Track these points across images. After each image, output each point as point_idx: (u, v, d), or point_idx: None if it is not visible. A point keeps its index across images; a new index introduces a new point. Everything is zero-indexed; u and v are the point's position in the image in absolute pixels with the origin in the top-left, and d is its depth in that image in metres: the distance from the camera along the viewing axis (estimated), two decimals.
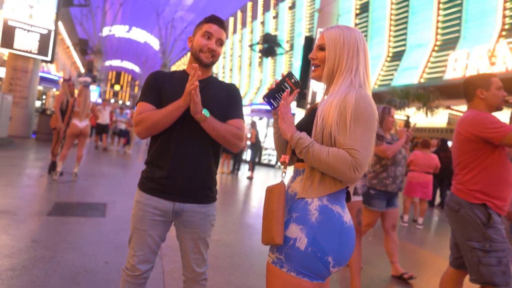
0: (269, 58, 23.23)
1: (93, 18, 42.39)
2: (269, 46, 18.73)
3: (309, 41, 17.01)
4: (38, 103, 13.35)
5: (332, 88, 1.27)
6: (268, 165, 14.48)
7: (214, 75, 1.83)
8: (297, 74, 17.19)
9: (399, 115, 13.17)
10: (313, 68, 1.37)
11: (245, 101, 29.23)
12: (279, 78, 1.35)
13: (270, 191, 1.24)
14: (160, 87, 1.62)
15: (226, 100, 1.67)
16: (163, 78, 1.65)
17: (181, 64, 52.76)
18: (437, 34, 16.28)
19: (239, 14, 40.09)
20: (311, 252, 1.14)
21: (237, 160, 10.58)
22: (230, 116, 1.65)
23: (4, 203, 4.03)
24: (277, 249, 1.19)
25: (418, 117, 13.13)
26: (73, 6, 17.27)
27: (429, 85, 13.23)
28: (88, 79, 5.82)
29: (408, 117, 12.45)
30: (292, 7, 29.65)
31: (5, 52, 13.10)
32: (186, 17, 44.52)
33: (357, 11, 21.46)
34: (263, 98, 1.33)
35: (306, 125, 1.28)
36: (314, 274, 1.15)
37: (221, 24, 1.64)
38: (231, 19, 41.89)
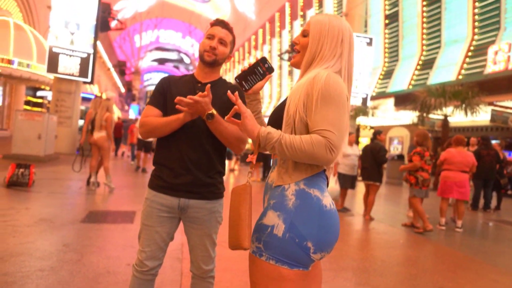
0: None
1: (130, 40, 44.69)
2: None
3: None
4: (81, 122, 14.25)
5: (307, 73, 1.25)
6: None
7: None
8: None
9: (436, 115, 12.52)
10: (293, 54, 1.36)
11: None
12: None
13: (236, 193, 1.20)
14: (166, 91, 1.70)
15: (231, 102, 1.69)
16: (170, 83, 1.73)
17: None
18: (474, 27, 15.44)
19: (267, 25, 40.56)
20: (289, 238, 1.11)
21: (267, 167, 10.58)
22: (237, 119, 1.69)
23: (43, 211, 4.34)
24: (257, 238, 1.18)
25: (457, 116, 12.41)
26: (110, 30, 18.43)
27: (468, 81, 12.50)
28: (111, 94, 6.17)
29: (445, 116, 11.78)
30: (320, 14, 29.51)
31: (50, 76, 14.23)
32: None
33: (387, 12, 20.92)
34: (235, 78, 1.36)
35: (278, 113, 1.28)
36: (294, 261, 1.12)
37: (224, 25, 1.70)
38: (260, 31, 42.47)
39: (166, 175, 1.64)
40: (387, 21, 20.91)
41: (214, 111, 1.51)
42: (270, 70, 1.33)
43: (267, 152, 1.24)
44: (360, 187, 9.73)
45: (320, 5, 29.70)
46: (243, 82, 1.36)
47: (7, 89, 20.72)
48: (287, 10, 35.06)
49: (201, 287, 1.73)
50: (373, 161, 6.06)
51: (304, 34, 1.30)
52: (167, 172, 1.64)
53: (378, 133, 6.43)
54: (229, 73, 57.19)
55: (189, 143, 1.62)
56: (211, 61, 1.66)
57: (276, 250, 1.13)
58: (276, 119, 1.28)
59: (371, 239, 4.78)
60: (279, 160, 1.22)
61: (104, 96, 6.69)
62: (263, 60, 1.34)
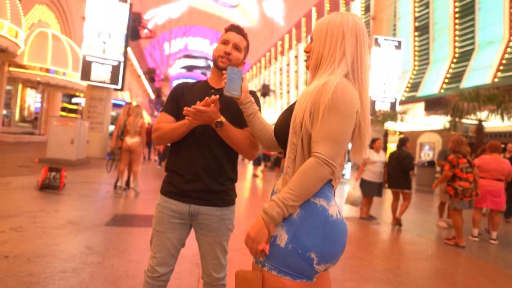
0: None
1: (160, 48, 45.94)
2: None
3: None
4: (111, 127, 14.79)
5: (316, 78, 1.23)
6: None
7: (271, 91, 1.89)
8: None
9: (470, 120, 11.93)
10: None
11: None
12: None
13: (242, 280, 1.14)
14: (179, 98, 1.71)
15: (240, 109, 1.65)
16: (183, 89, 1.74)
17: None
18: (510, 28, 14.67)
19: (293, 30, 40.53)
20: (291, 249, 1.09)
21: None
22: (246, 124, 1.67)
23: (71, 214, 4.51)
24: None
25: (493, 121, 11.76)
26: (140, 39, 19.07)
27: (504, 84, 11.84)
28: (140, 100, 6.36)
29: (480, 121, 11.20)
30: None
31: (84, 83, 14.91)
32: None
33: (416, 14, 20.31)
34: (225, 94, 1.41)
35: (285, 119, 1.25)
36: (297, 272, 1.09)
37: (239, 30, 1.71)
38: (286, 36, 42.50)
39: (177, 181, 1.64)
40: (417, 24, 20.29)
41: (223, 119, 1.51)
42: (240, 72, 1.45)
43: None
44: (388, 194, 9.43)
45: (348, 9, 29.33)
46: (233, 92, 1.41)
47: (45, 96, 21.94)
48: (314, 15, 34.92)
49: None
50: (399, 169, 5.93)
51: (311, 38, 1.30)
52: (178, 178, 1.64)
53: (405, 140, 6.23)
54: (255, 78, 57.50)
55: (199, 149, 1.62)
56: (225, 66, 1.65)
57: (278, 260, 1.10)
58: (283, 126, 1.26)
59: (397, 249, 4.59)
60: (285, 167, 1.19)
61: (134, 103, 6.92)
62: (230, 69, 1.44)
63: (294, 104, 1.25)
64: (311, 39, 1.29)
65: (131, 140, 6.25)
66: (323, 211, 1.12)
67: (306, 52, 1.33)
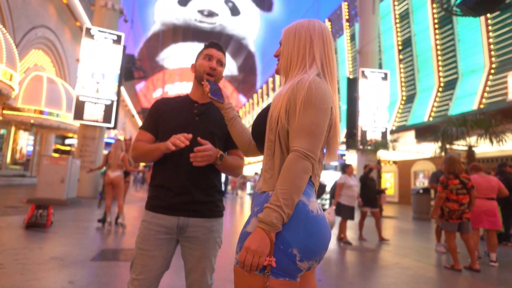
0: None
1: (154, 89, 46.84)
2: None
3: (351, 82, 16.98)
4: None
5: (288, 80, 1.26)
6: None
7: None
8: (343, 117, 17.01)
9: (459, 146, 12.08)
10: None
11: None
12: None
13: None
14: (158, 115, 1.72)
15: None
16: (162, 106, 1.74)
17: None
18: (491, 56, 15.31)
19: None
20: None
21: None
22: (232, 146, 1.73)
23: (56, 250, 4.34)
24: (240, 248, 1.11)
25: (483, 146, 11.91)
26: (133, 79, 19.51)
27: (490, 109, 12.15)
28: (118, 136, 6.43)
29: (470, 147, 11.34)
30: (335, 52, 30.33)
31: (77, 123, 14.99)
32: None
33: (400, 47, 21.21)
34: (210, 98, 1.53)
35: (262, 117, 1.27)
36: (279, 270, 1.05)
37: (220, 48, 1.76)
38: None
39: (164, 195, 1.61)
40: (401, 56, 21.12)
41: (222, 153, 1.62)
42: (215, 83, 1.62)
43: None
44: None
45: (335, 44, 30.59)
46: (216, 98, 1.53)
47: (38, 138, 21.93)
48: None
49: None
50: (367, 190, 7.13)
51: (280, 43, 1.34)
52: (165, 192, 1.61)
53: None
54: (248, 114, 58.42)
55: (187, 163, 1.59)
56: (211, 80, 1.68)
57: None
58: (260, 124, 1.28)
59: (393, 274, 4.43)
60: (265, 165, 1.19)
61: (120, 137, 6.99)
62: (210, 82, 1.58)
63: (269, 105, 1.27)
64: (280, 44, 1.33)
65: (113, 174, 6.21)
66: (303, 207, 1.11)
67: (275, 56, 1.37)
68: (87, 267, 3.73)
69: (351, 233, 7.57)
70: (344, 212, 6.53)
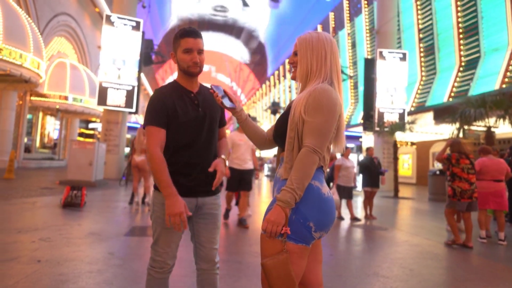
0: None
1: (171, 73, 47.28)
2: None
3: (368, 63, 16.79)
4: (127, 149, 15.33)
5: (307, 87, 1.52)
6: None
7: (281, 109, 2.12)
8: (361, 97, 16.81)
9: (478, 127, 11.95)
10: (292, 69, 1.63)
11: None
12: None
13: (278, 266, 1.34)
14: (166, 109, 1.74)
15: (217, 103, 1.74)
16: (166, 99, 1.76)
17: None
18: None
19: None
20: (295, 219, 1.38)
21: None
22: (220, 123, 1.95)
23: (92, 227, 4.84)
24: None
25: (502, 127, 11.74)
26: (152, 64, 19.89)
27: (510, 90, 11.89)
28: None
29: (489, 128, 11.21)
30: (352, 33, 29.66)
31: (100, 109, 15.61)
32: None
33: (420, 26, 20.62)
34: (223, 106, 1.63)
35: (283, 119, 1.56)
36: (299, 238, 1.38)
37: (196, 34, 1.75)
38: None
39: (183, 180, 1.76)
40: (421, 35, 20.58)
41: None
42: (221, 91, 1.66)
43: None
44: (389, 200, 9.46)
45: (352, 25, 29.92)
46: (229, 105, 1.63)
47: (63, 123, 22.89)
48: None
49: (210, 280, 1.85)
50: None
51: (295, 53, 1.58)
52: (184, 179, 1.76)
53: (368, 149, 7.89)
54: (265, 96, 58.28)
55: (207, 152, 1.84)
56: (197, 73, 1.79)
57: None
58: (282, 125, 1.56)
59: (402, 250, 4.72)
60: (286, 157, 1.49)
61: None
62: (218, 90, 1.64)
63: (288, 109, 1.56)
64: (295, 53, 1.57)
65: (138, 158, 6.66)
66: (317, 190, 1.43)
67: (290, 63, 1.62)
68: (122, 241, 4.19)
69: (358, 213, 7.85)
70: (343, 192, 6.97)
